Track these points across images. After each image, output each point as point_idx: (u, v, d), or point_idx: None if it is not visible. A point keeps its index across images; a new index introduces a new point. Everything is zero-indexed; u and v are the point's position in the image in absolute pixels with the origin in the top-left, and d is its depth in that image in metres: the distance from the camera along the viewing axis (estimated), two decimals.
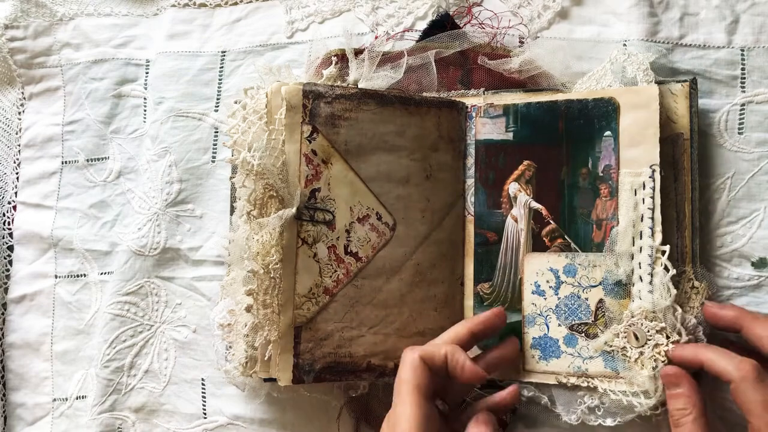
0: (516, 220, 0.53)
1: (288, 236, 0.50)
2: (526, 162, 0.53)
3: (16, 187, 0.67)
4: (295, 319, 0.50)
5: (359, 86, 0.54)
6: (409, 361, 0.46)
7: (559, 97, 0.52)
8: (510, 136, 0.53)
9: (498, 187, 0.53)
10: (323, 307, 0.50)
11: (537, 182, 0.52)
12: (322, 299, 0.50)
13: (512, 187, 0.53)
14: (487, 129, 0.54)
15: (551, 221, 0.52)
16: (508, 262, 0.53)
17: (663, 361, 0.47)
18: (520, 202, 0.53)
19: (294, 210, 0.50)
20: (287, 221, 0.50)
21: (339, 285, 0.51)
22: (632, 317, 0.49)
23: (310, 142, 0.51)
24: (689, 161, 0.51)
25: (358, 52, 0.55)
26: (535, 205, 0.52)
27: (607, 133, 0.50)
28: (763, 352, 0.45)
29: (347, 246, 0.51)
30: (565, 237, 0.51)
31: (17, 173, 0.67)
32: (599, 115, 0.51)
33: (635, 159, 0.49)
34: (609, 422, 0.49)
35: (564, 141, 0.52)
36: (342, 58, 0.56)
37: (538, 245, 0.52)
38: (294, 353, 0.49)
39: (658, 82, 0.51)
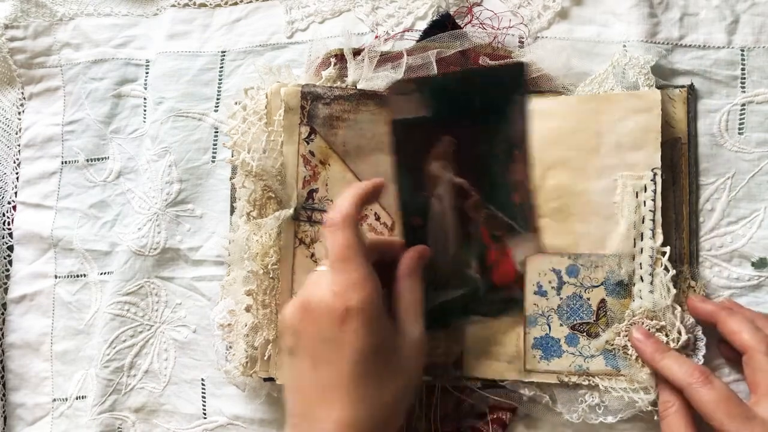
0: (440, 199, 0.52)
1: (285, 237, 0.50)
2: (445, 138, 0.52)
3: (16, 187, 0.66)
4: None
5: (359, 86, 0.54)
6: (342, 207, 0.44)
7: (468, 68, 0.53)
8: (426, 111, 0.52)
9: (419, 168, 0.52)
10: None
11: (458, 157, 0.51)
12: None
13: (434, 166, 0.52)
14: (401, 106, 0.52)
15: (473, 193, 0.51)
16: (439, 241, 0.52)
17: None
18: (444, 179, 0.52)
19: (291, 211, 0.50)
20: (285, 222, 0.50)
21: None
22: (633, 316, 0.49)
23: (307, 143, 0.51)
24: (687, 165, 0.51)
25: (357, 52, 0.55)
26: (457, 180, 0.51)
27: (517, 97, 0.51)
28: (735, 346, 0.46)
29: None
30: (489, 207, 0.51)
31: (17, 173, 0.67)
32: (509, 81, 0.51)
33: (637, 162, 0.50)
34: (610, 419, 0.50)
35: (479, 111, 0.51)
36: (341, 58, 0.56)
37: (463, 220, 0.52)
38: None
39: (659, 86, 0.51)
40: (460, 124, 0.51)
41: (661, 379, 0.47)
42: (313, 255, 0.51)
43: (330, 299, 0.42)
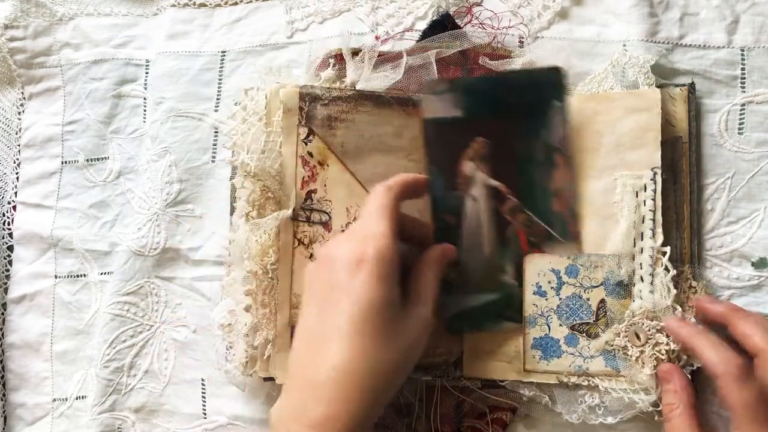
0: (475, 200, 0.52)
1: (284, 237, 0.50)
2: (479, 139, 0.51)
3: (16, 187, 0.67)
4: (292, 318, 0.50)
5: (358, 87, 0.54)
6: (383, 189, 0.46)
7: (507, 69, 0.53)
8: (460, 112, 0.52)
9: (453, 168, 0.52)
10: None
11: (493, 159, 0.51)
12: None
13: (468, 166, 0.52)
14: (435, 106, 0.52)
15: (511, 197, 0.51)
16: (473, 243, 0.52)
17: (664, 360, 0.48)
18: (477, 180, 0.52)
19: (290, 211, 0.50)
20: (283, 222, 0.50)
21: None
22: (633, 317, 0.49)
23: (306, 144, 0.51)
24: (688, 164, 0.51)
25: (356, 53, 0.55)
26: (493, 182, 0.51)
27: (557, 102, 0.50)
28: (747, 349, 0.45)
29: None
30: (526, 211, 0.51)
31: (17, 173, 0.67)
32: (547, 85, 0.50)
33: (637, 161, 0.50)
34: (610, 420, 0.50)
35: (515, 114, 0.51)
36: (341, 58, 0.56)
37: (499, 223, 0.51)
38: None
39: (659, 85, 0.51)
40: (494, 126, 0.51)
41: (662, 379, 0.47)
42: (311, 255, 0.51)
43: (346, 246, 0.43)
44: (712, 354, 0.44)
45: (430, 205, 0.52)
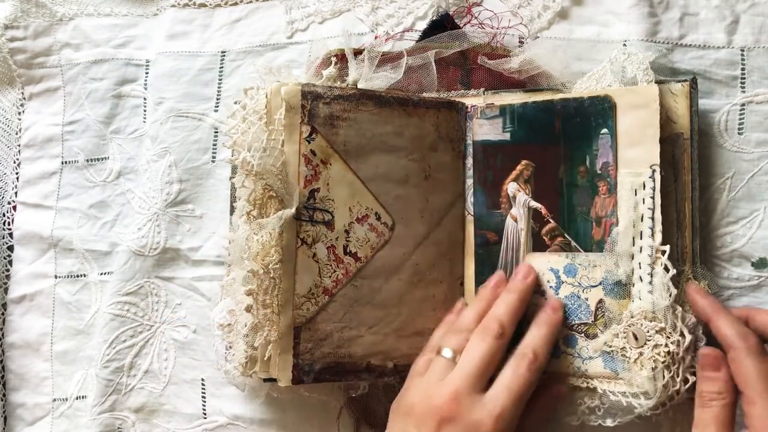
0: (516, 220, 0.52)
1: (287, 236, 0.50)
2: (524, 162, 0.52)
3: (16, 187, 0.67)
4: (295, 320, 0.50)
5: (359, 86, 0.54)
6: None
7: (556, 96, 0.52)
8: (507, 136, 0.53)
9: (497, 188, 0.53)
10: (322, 308, 0.50)
11: (536, 181, 0.52)
12: (321, 299, 0.50)
13: (511, 186, 0.53)
14: (484, 130, 0.54)
15: (551, 220, 0.52)
16: (508, 261, 0.52)
17: (663, 362, 0.47)
18: (519, 201, 0.52)
19: (293, 210, 0.50)
20: (287, 221, 0.50)
21: (338, 285, 0.50)
22: (632, 317, 0.48)
23: (308, 143, 0.50)
24: (689, 161, 0.50)
25: (357, 52, 0.55)
26: (534, 204, 0.52)
27: (604, 130, 0.50)
28: (724, 348, 0.45)
29: (346, 246, 0.51)
30: (566, 235, 0.51)
31: (17, 173, 0.67)
32: (596, 113, 0.50)
33: (635, 159, 0.49)
34: (609, 423, 0.49)
35: (561, 140, 0.51)
36: (342, 58, 0.56)
37: (538, 244, 0.52)
38: (294, 353, 0.49)
39: (658, 82, 0.51)
40: (540, 150, 0.52)
41: (707, 365, 0.46)
42: (315, 255, 0.50)
43: None
44: (729, 327, 0.44)
45: (473, 222, 0.54)
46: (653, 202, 0.49)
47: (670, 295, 0.48)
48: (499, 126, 0.53)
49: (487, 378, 0.46)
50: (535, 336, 0.48)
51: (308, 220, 0.50)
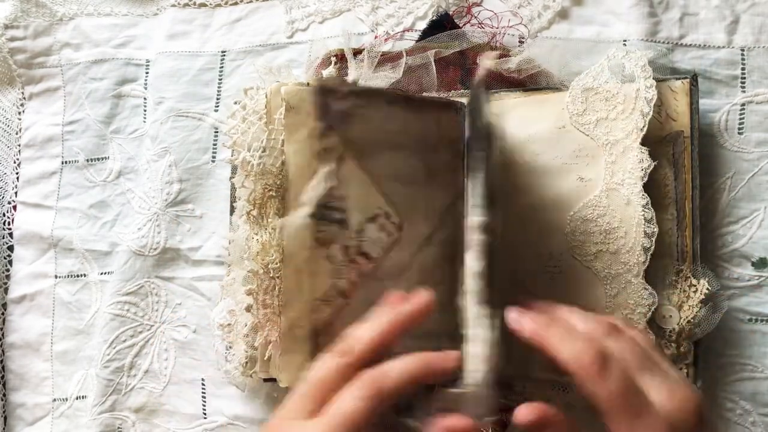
0: None
1: (301, 237, 0.49)
2: None
3: (16, 187, 0.67)
4: (313, 324, 0.49)
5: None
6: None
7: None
8: None
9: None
10: (339, 310, 0.50)
11: None
12: (338, 302, 0.50)
13: None
14: None
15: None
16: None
17: None
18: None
19: (309, 209, 0.49)
20: (304, 221, 0.48)
21: (354, 287, 0.50)
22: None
23: (321, 140, 0.50)
24: (689, 159, 0.50)
25: (357, 52, 0.55)
26: None
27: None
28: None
29: (360, 246, 0.50)
30: None
31: (17, 173, 0.67)
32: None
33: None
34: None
35: None
36: (341, 58, 0.56)
37: None
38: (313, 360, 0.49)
39: (658, 80, 0.50)
40: None
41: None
42: (330, 256, 0.50)
43: None
44: (566, 348, 0.37)
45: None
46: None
47: None
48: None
49: (321, 401, 0.38)
50: (392, 366, 0.39)
51: (323, 219, 0.49)
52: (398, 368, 0.39)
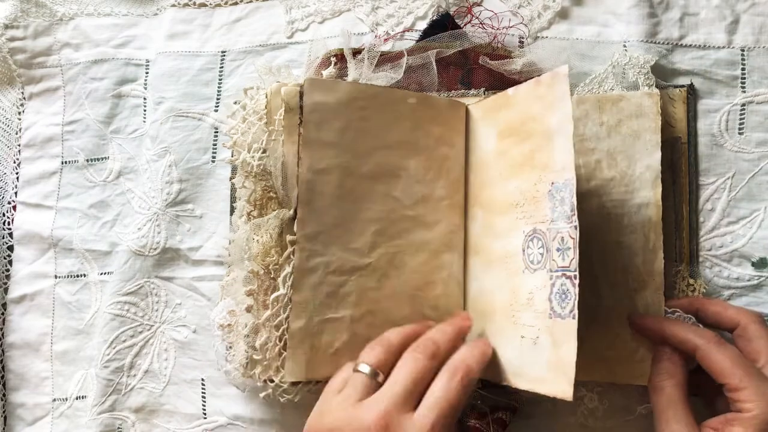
0: None
1: (287, 237, 0.49)
2: None
3: (16, 187, 0.67)
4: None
5: None
6: None
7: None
8: None
9: None
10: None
11: None
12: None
13: None
14: None
15: None
16: None
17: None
18: None
19: (291, 211, 0.49)
20: (286, 222, 0.49)
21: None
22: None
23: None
24: (687, 164, 0.51)
25: (357, 52, 0.55)
26: None
27: None
28: (724, 325, 0.47)
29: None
30: None
31: (17, 173, 0.67)
32: None
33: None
34: (609, 424, 0.50)
35: None
36: (341, 58, 0.56)
37: None
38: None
39: (659, 86, 0.51)
40: None
41: (659, 350, 0.47)
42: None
43: None
44: (684, 331, 0.45)
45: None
46: None
47: None
48: None
49: (417, 398, 0.42)
50: (466, 352, 0.45)
51: None
52: (472, 354, 0.45)
